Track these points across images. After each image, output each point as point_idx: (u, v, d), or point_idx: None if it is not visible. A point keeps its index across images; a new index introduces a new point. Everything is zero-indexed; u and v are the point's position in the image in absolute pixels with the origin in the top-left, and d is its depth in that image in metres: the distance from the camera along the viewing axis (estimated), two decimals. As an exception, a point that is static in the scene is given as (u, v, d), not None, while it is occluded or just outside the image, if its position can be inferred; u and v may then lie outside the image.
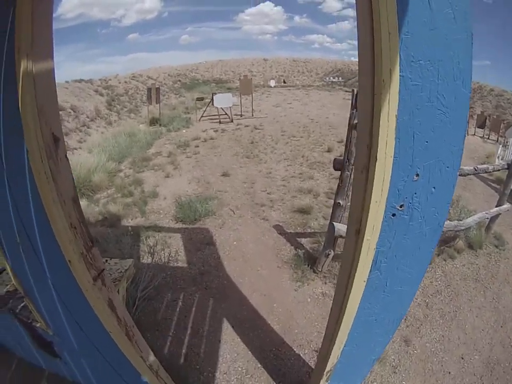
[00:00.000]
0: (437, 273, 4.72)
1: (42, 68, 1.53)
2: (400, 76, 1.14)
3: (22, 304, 2.71)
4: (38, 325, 2.49)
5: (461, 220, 4.96)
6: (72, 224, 1.68)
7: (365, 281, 1.31)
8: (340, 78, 47.76)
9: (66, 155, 1.71)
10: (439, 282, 4.56)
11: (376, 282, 1.33)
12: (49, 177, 1.57)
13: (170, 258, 5.04)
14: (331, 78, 50.00)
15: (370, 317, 1.45)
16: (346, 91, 33.74)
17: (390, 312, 1.48)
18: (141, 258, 5.05)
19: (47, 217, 1.65)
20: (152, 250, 4.95)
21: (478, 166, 4.80)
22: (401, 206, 1.27)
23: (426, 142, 1.20)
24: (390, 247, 1.29)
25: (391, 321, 1.54)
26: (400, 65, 1.13)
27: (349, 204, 4.19)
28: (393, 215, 1.27)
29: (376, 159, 1.17)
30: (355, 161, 1.32)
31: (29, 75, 1.47)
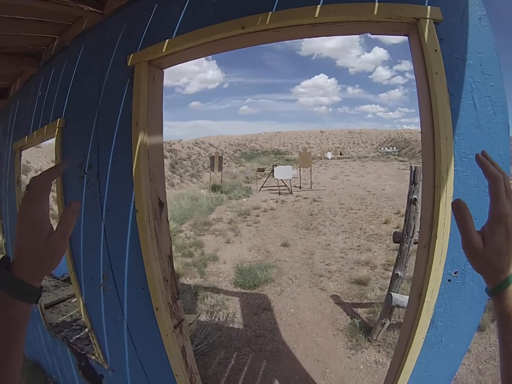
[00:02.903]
0: (491, 339, 4.38)
1: (154, 142, 1.89)
2: (454, 170, 1.40)
3: (77, 336, 3.02)
4: (92, 358, 2.72)
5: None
6: (165, 278, 1.94)
7: (423, 338, 1.45)
8: (394, 148, 47.88)
9: (167, 218, 2.03)
10: (493, 347, 4.22)
11: (433, 339, 1.46)
12: (153, 235, 1.87)
13: (227, 319, 5.21)
14: (385, 148, 50.22)
15: (426, 372, 1.55)
16: (401, 160, 33.90)
17: (443, 368, 1.57)
18: (198, 316, 5.20)
19: (142, 269, 1.92)
20: (212, 310, 5.18)
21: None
22: (455, 273, 1.45)
23: (475, 219, 1.39)
24: (446, 308, 1.45)
25: (444, 378, 1.63)
26: (454, 162, 1.40)
27: (406, 274, 4.26)
28: (449, 280, 1.46)
29: (436, 237, 1.40)
30: (419, 239, 1.53)
31: (144, 147, 1.83)
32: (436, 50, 1.34)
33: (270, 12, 1.47)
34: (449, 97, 1.36)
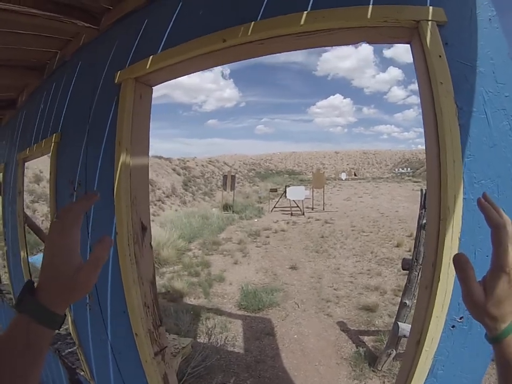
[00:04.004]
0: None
1: (138, 162, 1.84)
2: (463, 198, 1.21)
3: (69, 350, 2.95)
4: (81, 373, 2.64)
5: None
6: (146, 304, 1.86)
7: (420, 388, 1.29)
8: (409, 169, 47.77)
9: (150, 243, 1.96)
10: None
11: (432, 389, 1.30)
12: (132, 259, 1.79)
13: (227, 342, 5.08)
14: (400, 169, 50.07)
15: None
16: (415, 181, 33.35)
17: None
18: (198, 337, 5.15)
19: (124, 293, 1.84)
20: (210, 332, 5.07)
21: None
22: (460, 318, 1.27)
23: (487, 256, 1.21)
24: (448, 356, 1.26)
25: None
26: (463, 188, 1.21)
27: (415, 302, 4.07)
28: (453, 326, 1.27)
29: (439, 279, 1.21)
30: (421, 278, 1.36)
31: (126, 167, 1.77)
32: (440, 56, 1.19)
33: (253, 22, 1.38)
34: (457, 111, 1.19)
